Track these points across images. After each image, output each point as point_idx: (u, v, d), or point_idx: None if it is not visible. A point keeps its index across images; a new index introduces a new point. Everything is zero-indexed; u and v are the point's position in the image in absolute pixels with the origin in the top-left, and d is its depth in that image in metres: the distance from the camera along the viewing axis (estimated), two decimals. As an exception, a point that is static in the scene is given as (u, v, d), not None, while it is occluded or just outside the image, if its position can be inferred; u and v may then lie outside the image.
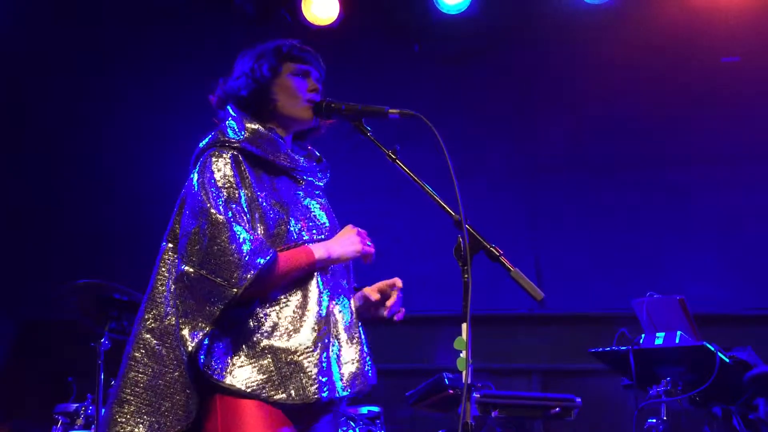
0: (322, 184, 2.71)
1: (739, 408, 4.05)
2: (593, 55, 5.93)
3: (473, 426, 2.19)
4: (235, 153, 2.49)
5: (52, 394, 5.09)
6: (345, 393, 2.48)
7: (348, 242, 2.55)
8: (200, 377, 2.37)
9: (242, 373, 2.35)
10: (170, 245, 2.50)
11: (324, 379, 2.40)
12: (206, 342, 2.36)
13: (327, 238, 2.57)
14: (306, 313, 2.44)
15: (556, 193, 6.06)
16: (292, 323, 2.41)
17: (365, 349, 2.58)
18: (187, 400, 2.37)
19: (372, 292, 2.62)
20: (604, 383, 5.43)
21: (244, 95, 2.61)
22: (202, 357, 2.36)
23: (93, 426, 4.29)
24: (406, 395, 4.78)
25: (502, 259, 2.30)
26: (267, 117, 2.62)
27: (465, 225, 2.29)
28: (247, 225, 2.40)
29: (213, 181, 2.42)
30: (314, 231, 2.55)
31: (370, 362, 2.58)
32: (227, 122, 2.58)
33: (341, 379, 2.48)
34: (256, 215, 2.45)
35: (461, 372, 2.16)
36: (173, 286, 2.41)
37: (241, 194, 2.43)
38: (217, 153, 2.48)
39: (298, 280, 2.46)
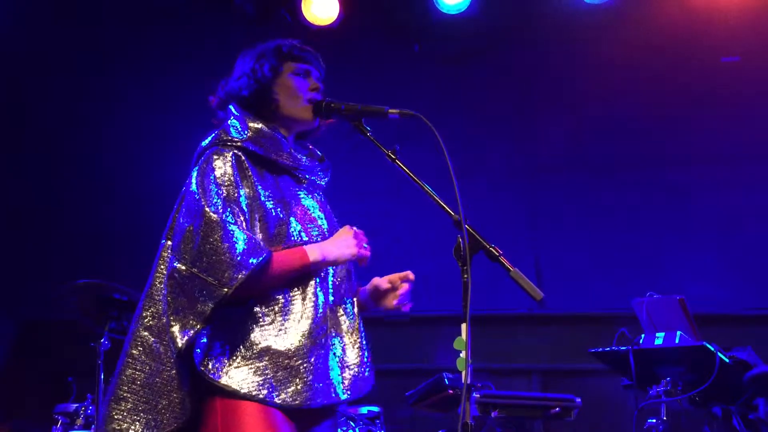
0: (323, 183, 2.71)
1: (739, 408, 4.04)
2: (593, 55, 5.93)
3: (473, 426, 2.19)
4: (237, 152, 2.48)
5: (52, 394, 5.08)
6: (345, 396, 2.47)
7: (344, 245, 2.53)
8: (197, 376, 2.37)
9: (238, 374, 2.34)
10: (169, 243, 2.49)
11: (319, 385, 2.39)
12: (204, 341, 2.35)
13: (326, 238, 2.56)
14: (304, 315, 2.43)
15: (556, 193, 6.05)
16: (290, 325, 2.40)
17: (366, 353, 2.57)
18: (184, 397, 2.37)
19: (383, 281, 2.64)
20: (604, 383, 5.43)
21: (246, 95, 2.61)
22: (199, 356, 2.35)
23: (93, 426, 4.29)
24: (406, 395, 4.77)
25: (502, 259, 2.29)
26: (269, 117, 2.61)
27: (465, 225, 2.28)
28: (244, 224, 2.39)
29: (212, 179, 2.41)
30: (314, 232, 2.54)
31: (369, 367, 2.58)
32: (230, 121, 2.57)
33: (342, 383, 2.47)
34: (257, 215, 2.44)
35: (461, 372, 2.16)
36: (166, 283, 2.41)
37: (241, 193, 2.43)
38: (218, 151, 2.47)
39: (299, 282, 2.46)
